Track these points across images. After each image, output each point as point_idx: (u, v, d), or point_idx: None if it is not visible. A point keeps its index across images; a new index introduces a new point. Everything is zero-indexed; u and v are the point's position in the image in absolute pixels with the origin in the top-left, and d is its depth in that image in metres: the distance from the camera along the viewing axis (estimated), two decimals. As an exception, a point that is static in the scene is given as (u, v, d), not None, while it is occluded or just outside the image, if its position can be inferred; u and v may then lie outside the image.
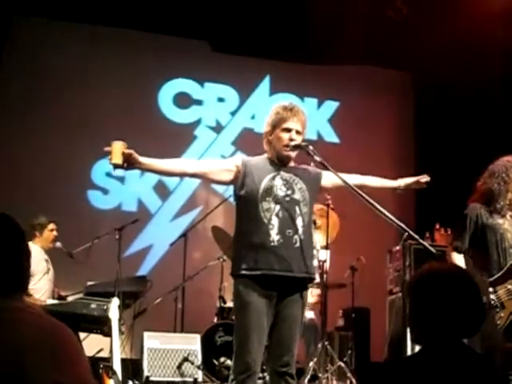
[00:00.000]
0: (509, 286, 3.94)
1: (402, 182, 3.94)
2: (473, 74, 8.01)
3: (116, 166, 3.37)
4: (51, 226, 6.22)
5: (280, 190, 3.54)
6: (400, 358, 3.49)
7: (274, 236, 3.46)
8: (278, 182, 3.57)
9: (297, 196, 3.57)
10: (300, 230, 3.51)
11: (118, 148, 3.34)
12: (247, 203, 3.54)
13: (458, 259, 4.09)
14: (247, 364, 3.39)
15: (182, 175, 3.93)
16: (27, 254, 1.79)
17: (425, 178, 3.95)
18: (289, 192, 3.56)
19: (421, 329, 2.11)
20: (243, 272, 3.47)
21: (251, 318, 3.41)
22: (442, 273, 2.13)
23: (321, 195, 4.29)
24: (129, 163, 3.36)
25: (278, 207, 3.50)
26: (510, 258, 4.05)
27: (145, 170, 3.55)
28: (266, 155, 3.71)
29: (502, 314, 3.91)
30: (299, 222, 3.52)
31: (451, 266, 2.16)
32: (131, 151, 3.35)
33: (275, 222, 3.47)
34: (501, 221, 4.11)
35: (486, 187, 4.19)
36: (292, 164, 3.69)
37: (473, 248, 4.15)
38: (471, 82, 8.09)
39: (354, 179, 3.71)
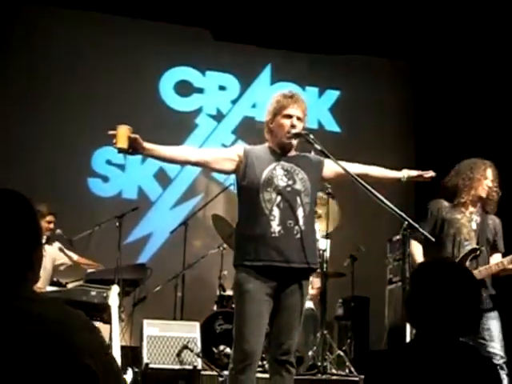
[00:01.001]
0: None
1: (405, 174, 3.92)
2: (473, 64, 7.98)
3: (120, 150, 3.36)
4: (49, 217, 6.12)
5: (281, 181, 3.54)
6: (399, 347, 3.49)
7: (275, 227, 3.46)
8: (279, 172, 3.56)
9: (298, 186, 3.56)
10: (301, 221, 3.51)
11: (123, 132, 3.32)
12: (248, 193, 3.55)
13: (417, 248, 4.35)
14: (246, 352, 3.40)
15: (184, 163, 3.91)
16: (40, 235, 1.67)
17: (429, 174, 3.98)
18: (290, 182, 3.55)
19: (416, 319, 2.11)
20: (245, 262, 3.48)
21: (251, 306, 3.43)
22: (445, 266, 2.13)
23: (321, 184, 4.29)
24: (134, 148, 3.37)
25: (279, 198, 3.50)
26: (463, 251, 4.29)
27: (148, 155, 3.55)
28: (266, 144, 3.70)
29: None
30: (300, 212, 3.52)
31: (456, 263, 2.16)
32: (137, 136, 3.36)
33: (276, 212, 3.47)
34: (459, 216, 4.37)
35: (451, 183, 4.43)
36: (293, 153, 3.69)
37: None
38: (472, 72, 8.06)
39: (355, 168, 3.70)
